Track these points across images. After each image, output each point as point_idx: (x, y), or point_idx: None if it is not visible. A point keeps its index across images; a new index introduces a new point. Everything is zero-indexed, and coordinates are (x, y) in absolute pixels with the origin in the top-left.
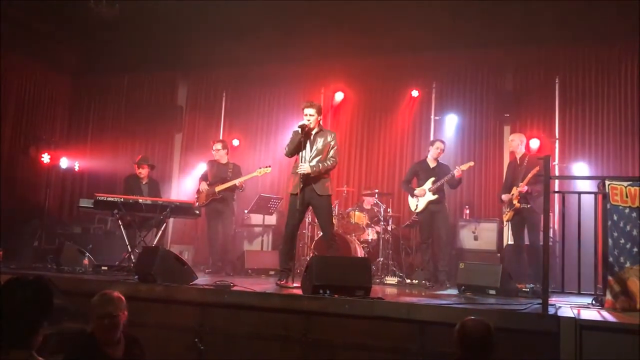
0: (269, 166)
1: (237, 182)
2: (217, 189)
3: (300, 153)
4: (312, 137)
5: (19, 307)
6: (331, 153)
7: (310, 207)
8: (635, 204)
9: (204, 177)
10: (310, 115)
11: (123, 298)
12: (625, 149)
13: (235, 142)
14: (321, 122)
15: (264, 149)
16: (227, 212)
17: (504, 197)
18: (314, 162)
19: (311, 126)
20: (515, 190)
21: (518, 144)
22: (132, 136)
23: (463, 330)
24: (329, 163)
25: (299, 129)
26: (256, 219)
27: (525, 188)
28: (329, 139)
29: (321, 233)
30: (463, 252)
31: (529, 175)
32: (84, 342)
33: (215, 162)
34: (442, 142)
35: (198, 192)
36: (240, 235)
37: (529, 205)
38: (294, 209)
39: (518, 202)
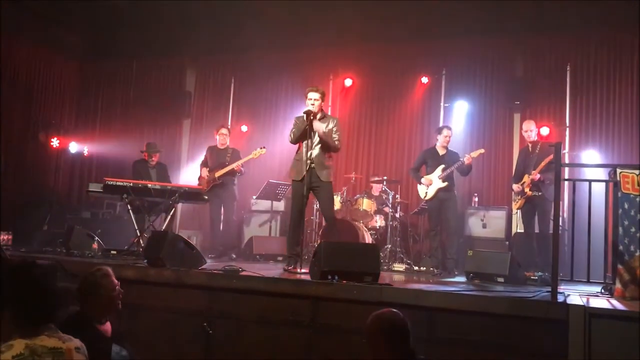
0: (264, 147)
1: (234, 165)
2: (217, 174)
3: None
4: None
5: (37, 287)
6: (335, 137)
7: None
8: None
9: (204, 164)
10: (314, 99)
11: (104, 276)
12: (637, 137)
13: (244, 128)
14: (324, 109)
15: (272, 134)
16: (228, 197)
17: (515, 186)
18: (317, 149)
19: (315, 111)
20: (527, 178)
21: (532, 131)
22: (140, 121)
23: None
24: (335, 143)
25: (304, 115)
26: (264, 204)
27: (538, 176)
28: (331, 125)
29: None
30: (471, 239)
31: (543, 163)
32: (79, 319)
33: (214, 148)
34: (449, 128)
35: (200, 178)
36: (248, 221)
37: (540, 193)
38: (300, 195)
39: (530, 189)
